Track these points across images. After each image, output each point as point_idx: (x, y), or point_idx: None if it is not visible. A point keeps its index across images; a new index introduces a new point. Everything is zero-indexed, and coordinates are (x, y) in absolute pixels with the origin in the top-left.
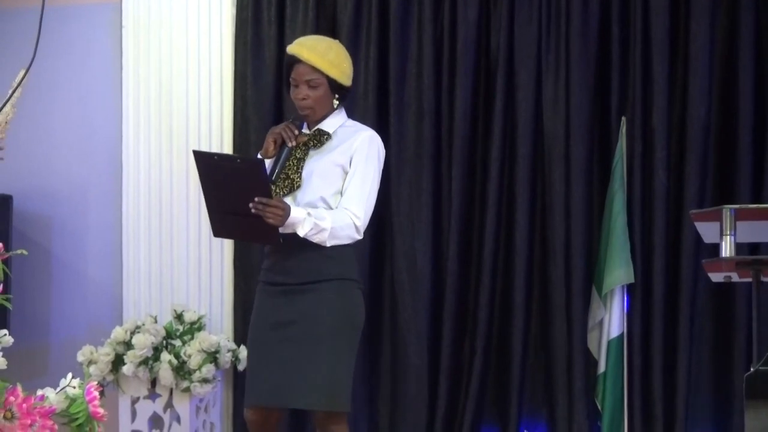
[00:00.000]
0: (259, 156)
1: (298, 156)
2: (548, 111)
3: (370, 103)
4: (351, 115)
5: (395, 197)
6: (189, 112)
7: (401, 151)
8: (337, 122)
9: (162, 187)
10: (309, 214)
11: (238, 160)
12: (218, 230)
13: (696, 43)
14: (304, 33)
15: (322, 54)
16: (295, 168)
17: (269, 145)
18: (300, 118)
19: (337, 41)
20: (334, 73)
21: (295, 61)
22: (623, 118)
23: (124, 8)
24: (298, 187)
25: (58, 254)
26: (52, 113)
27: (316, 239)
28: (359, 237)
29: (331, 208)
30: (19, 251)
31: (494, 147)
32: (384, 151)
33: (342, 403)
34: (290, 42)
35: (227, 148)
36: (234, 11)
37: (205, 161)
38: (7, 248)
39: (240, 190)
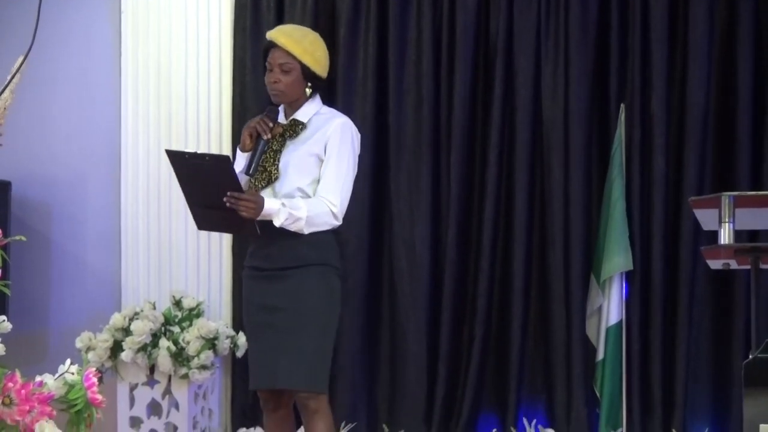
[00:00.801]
0: (238, 150)
1: (275, 148)
2: (547, 98)
3: (369, 89)
4: (351, 101)
5: (394, 184)
6: (188, 99)
7: (400, 138)
8: (311, 111)
9: (161, 173)
10: (283, 204)
11: (207, 158)
12: (201, 223)
13: (695, 30)
14: (303, 19)
15: (297, 40)
16: (272, 160)
17: (245, 139)
18: (275, 110)
19: (316, 33)
20: (307, 60)
21: (271, 45)
22: (622, 105)
23: None
24: (276, 179)
25: (57, 241)
26: (51, 99)
27: (293, 228)
28: (338, 223)
29: (309, 197)
30: (17, 237)
31: (493, 134)
32: (359, 136)
33: (320, 384)
34: None
35: (226, 134)
36: None
37: (177, 160)
38: (6, 235)
39: (213, 186)
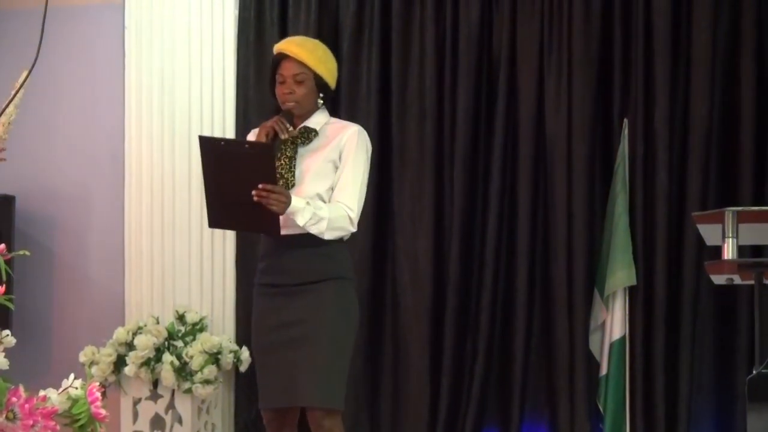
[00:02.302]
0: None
1: (288, 154)
2: (550, 112)
3: (372, 103)
4: (354, 115)
5: (397, 197)
6: (191, 113)
7: (403, 152)
8: (322, 120)
9: (164, 188)
10: (308, 203)
11: (246, 146)
12: (215, 221)
13: (698, 44)
14: (306, 34)
15: (310, 50)
16: (287, 167)
17: (261, 138)
18: (288, 113)
19: (324, 44)
20: (320, 70)
21: (282, 57)
22: (625, 120)
23: (126, 9)
24: (292, 185)
25: (61, 255)
26: (54, 114)
27: (314, 229)
28: (353, 229)
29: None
30: (21, 252)
31: (496, 147)
32: (371, 145)
33: (337, 400)
34: None
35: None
36: (236, 12)
37: (210, 147)
38: (9, 248)
39: (244, 177)
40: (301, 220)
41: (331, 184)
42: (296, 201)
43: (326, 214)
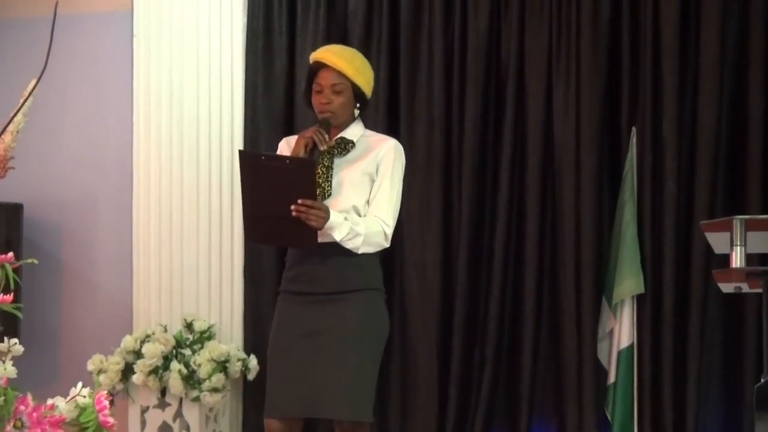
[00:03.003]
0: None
1: (325, 164)
2: (558, 120)
3: (380, 112)
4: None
5: (405, 207)
6: (200, 122)
7: (411, 161)
8: (358, 131)
9: (172, 196)
10: (346, 218)
11: (287, 161)
12: (252, 234)
13: (706, 52)
14: (314, 43)
15: (349, 60)
16: (324, 176)
17: (300, 149)
18: (326, 122)
19: (359, 53)
20: (359, 80)
21: (320, 66)
22: (633, 128)
23: (135, 17)
24: (329, 195)
25: (69, 263)
26: (63, 122)
27: (350, 245)
28: (387, 245)
29: (359, 215)
30: (29, 260)
31: (504, 156)
32: (405, 160)
33: (367, 413)
34: (301, 51)
35: (237, 158)
36: (245, 21)
37: (250, 162)
38: (17, 257)
39: (283, 192)
40: (338, 236)
41: (367, 196)
42: (334, 216)
43: (363, 230)
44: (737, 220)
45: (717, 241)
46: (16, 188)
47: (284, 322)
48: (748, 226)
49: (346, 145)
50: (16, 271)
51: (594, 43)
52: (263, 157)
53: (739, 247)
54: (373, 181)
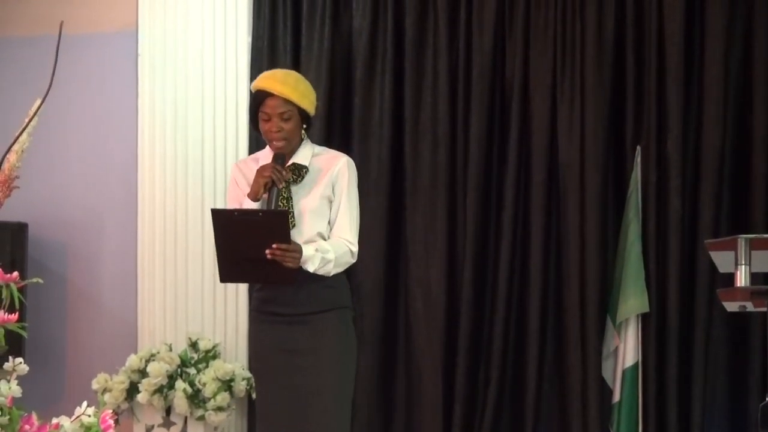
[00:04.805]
0: (247, 198)
1: (285, 195)
2: (563, 139)
3: (384, 130)
4: (367, 143)
5: (410, 225)
6: (204, 141)
7: (416, 179)
8: (308, 153)
9: (177, 215)
10: (316, 250)
11: (260, 214)
12: (226, 276)
13: (710, 71)
14: (320, 60)
15: (293, 86)
16: (286, 208)
17: (260, 188)
18: (282, 156)
19: (299, 73)
20: (304, 104)
21: (266, 95)
22: (638, 147)
23: (140, 36)
24: (293, 226)
25: (74, 282)
26: (67, 141)
27: (322, 272)
28: (354, 260)
29: (324, 239)
30: (34, 279)
31: (509, 175)
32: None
33: (347, 428)
34: (306, 71)
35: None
36: (249, 40)
37: (223, 218)
38: (22, 276)
39: (258, 241)
40: (311, 267)
41: (327, 218)
42: (306, 250)
43: (332, 256)
44: (742, 239)
45: (722, 260)
46: (21, 207)
47: (259, 341)
48: (753, 245)
49: (300, 171)
50: (21, 290)
51: (598, 61)
52: (236, 213)
53: (743, 266)
54: (330, 202)
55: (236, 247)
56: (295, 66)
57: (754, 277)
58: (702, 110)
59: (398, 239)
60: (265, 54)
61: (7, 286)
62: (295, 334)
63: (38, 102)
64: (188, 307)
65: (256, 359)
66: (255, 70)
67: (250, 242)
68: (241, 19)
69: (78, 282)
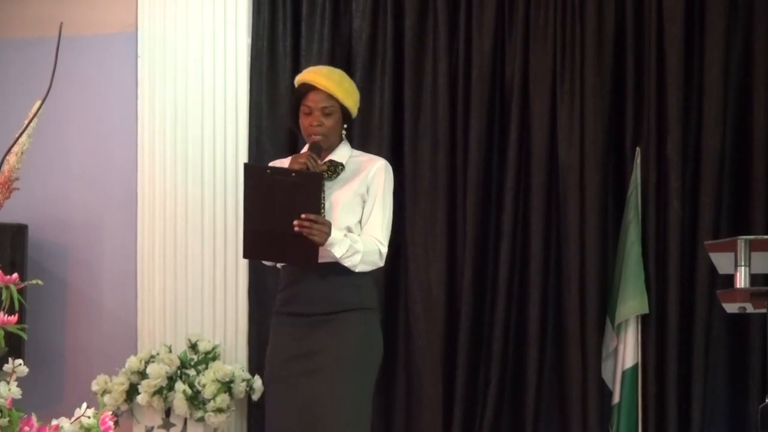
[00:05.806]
0: None
1: None
2: (563, 140)
3: (384, 133)
4: (366, 145)
5: (410, 227)
6: (204, 142)
7: (416, 181)
8: (346, 153)
9: (177, 216)
10: (345, 235)
11: (293, 174)
12: (251, 251)
13: (710, 73)
14: (318, 63)
15: (338, 82)
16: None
17: None
18: (319, 146)
19: (344, 72)
20: (348, 102)
21: (309, 88)
22: (638, 149)
23: (139, 38)
24: (323, 215)
25: (74, 284)
26: (67, 143)
27: (348, 262)
28: (382, 264)
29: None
30: (34, 281)
31: (509, 177)
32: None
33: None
34: None
35: (242, 179)
36: (249, 41)
37: (255, 175)
38: (22, 277)
39: (287, 207)
40: (338, 252)
41: (359, 217)
42: (335, 232)
43: (361, 247)
44: (741, 241)
45: (721, 261)
46: (21, 209)
47: (278, 343)
48: (753, 247)
49: (336, 168)
50: (20, 291)
51: (598, 63)
52: (269, 170)
53: (743, 268)
54: (364, 202)
55: (264, 214)
56: (295, 68)
57: (754, 279)
58: (702, 111)
59: (398, 241)
60: (264, 55)
61: (7, 287)
62: (314, 335)
63: (38, 103)
64: (188, 308)
65: (271, 361)
66: (254, 71)
67: (278, 208)
68: (240, 20)
69: (78, 283)
